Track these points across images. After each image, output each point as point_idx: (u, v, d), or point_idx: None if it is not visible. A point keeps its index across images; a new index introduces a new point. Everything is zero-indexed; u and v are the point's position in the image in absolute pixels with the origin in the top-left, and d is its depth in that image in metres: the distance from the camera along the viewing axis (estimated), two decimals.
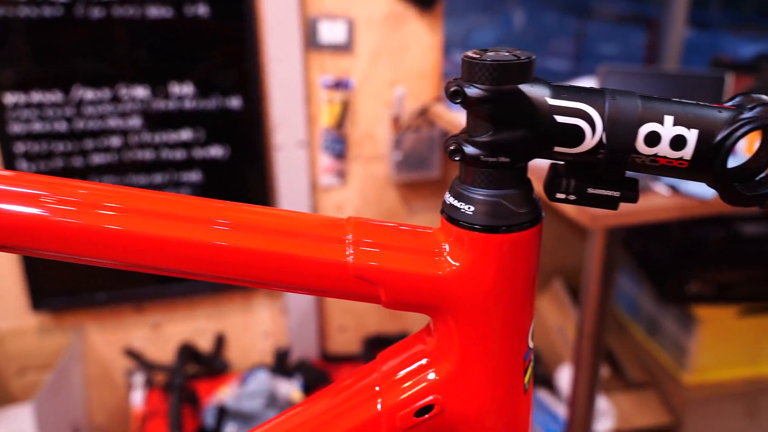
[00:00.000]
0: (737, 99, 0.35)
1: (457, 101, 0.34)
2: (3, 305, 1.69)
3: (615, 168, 0.35)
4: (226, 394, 1.68)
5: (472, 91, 0.34)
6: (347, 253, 0.37)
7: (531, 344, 0.40)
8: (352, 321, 1.98)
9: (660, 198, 1.15)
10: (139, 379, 1.76)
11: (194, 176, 1.70)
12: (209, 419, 1.58)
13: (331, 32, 1.66)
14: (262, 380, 1.67)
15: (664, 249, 1.72)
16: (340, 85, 1.71)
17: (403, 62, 1.74)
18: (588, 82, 1.59)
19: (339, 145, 1.77)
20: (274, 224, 0.37)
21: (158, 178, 1.68)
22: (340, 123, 1.75)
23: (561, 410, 1.69)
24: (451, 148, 0.36)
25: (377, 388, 0.41)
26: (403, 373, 0.41)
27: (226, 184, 1.73)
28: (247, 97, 1.65)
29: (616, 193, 0.37)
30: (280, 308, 1.90)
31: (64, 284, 1.71)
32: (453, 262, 0.37)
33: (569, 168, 0.37)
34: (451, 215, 0.37)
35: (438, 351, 0.40)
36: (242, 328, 1.90)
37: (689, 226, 1.69)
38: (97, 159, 1.62)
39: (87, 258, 0.37)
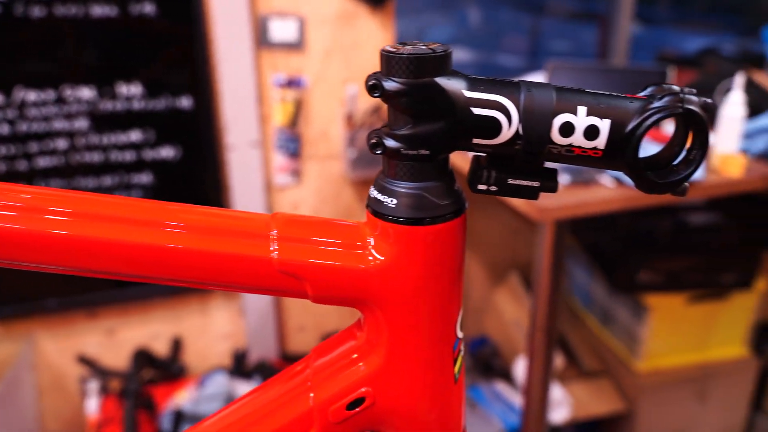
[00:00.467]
0: (649, 89, 0.37)
1: (376, 95, 0.35)
2: None
3: (532, 158, 0.36)
4: (183, 398, 1.66)
5: (389, 85, 0.34)
6: (272, 248, 0.37)
7: (460, 334, 0.41)
8: (311, 320, 1.98)
9: (605, 190, 1.18)
10: (93, 386, 1.72)
11: (145, 178, 1.67)
12: (166, 424, 1.56)
13: (282, 30, 1.65)
14: (220, 383, 1.65)
15: (614, 240, 1.76)
16: (292, 83, 1.71)
17: (356, 60, 1.74)
18: (538, 78, 1.61)
19: (293, 144, 1.76)
20: (197, 222, 0.37)
21: (107, 180, 1.64)
22: (294, 122, 1.74)
23: (518, 401, 1.71)
24: (373, 141, 0.36)
25: (309, 384, 0.41)
26: (334, 367, 0.41)
27: (178, 186, 1.71)
28: (198, 96, 1.63)
29: (536, 183, 0.37)
30: (238, 309, 1.89)
31: (11, 292, 1.66)
32: (378, 256, 0.37)
33: (490, 160, 0.38)
34: (375, 209, 0.37)
35: (368, 344, 0.40)
36: (199, 331, 1.87)
37: (637, 217, 1.73)
38: (43, 162, 1.57)
39: (28, 264, 0.36)
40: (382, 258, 0.37)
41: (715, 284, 1.74)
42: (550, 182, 0.38)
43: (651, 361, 1.77)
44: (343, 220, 0.40)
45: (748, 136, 1.40)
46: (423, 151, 0.36)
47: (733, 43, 1.99)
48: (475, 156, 0.39)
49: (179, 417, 1.55)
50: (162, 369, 1.78)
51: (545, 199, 1.13)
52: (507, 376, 1.87)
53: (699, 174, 1.21)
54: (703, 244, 1.74)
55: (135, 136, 1.61)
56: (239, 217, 0.39)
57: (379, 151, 0.36)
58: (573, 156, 0.36)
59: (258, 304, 1.87)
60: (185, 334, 1.86)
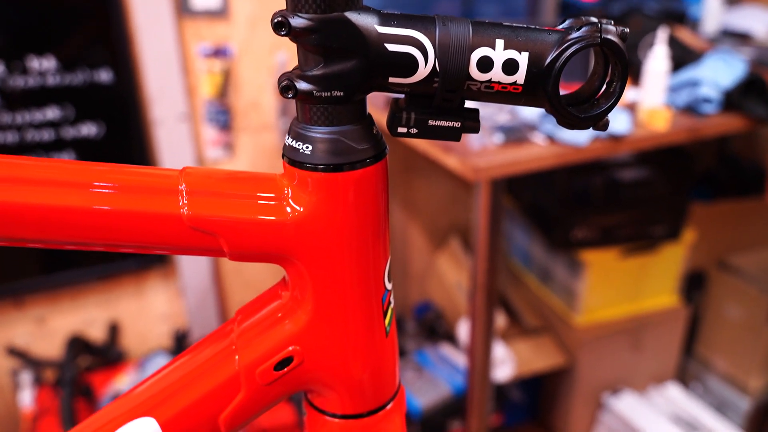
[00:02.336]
0: (567, 21, 0.36)
1: (283, 33, 0.32)
2: None
3: (451, 96, 0.35)
4: (123, 382, 1.61)
5: (297, 21, 0.32)
6: (181, 203, 0.34)
7: (389, 285, 0.40)
8: (253, 296, 1.94)
9: (537, 147, 1.19)
10: (26, 378, 1.65)
11: (66, 157, 1.58)
12: None
13: None
14: (161, 364, 1.60)
15: (551, 198, 1.80)
16: (219, 53, 1.64)
17: None
18: None
19: (224, 116, 1.71)
20: (103, 179, 0.34)
21: None
22: (223, 93, 1.68)
23: (462, 361, 1.74)
24: (283, 84, 0.34)
25: (234, 346, 0.39)
26: (259, 327, 0.39)
27: (98, 156, 1.63)
28: (118, 69, 1.55)
29: (457, 124, 0.36)
30: (176, 290, 1.83)
31: None
32: (296, 207, 0.35)
33: (409, 100, 0.36)
34: (290, 157, 0.35)
35: (293, 301, 0.39)
36: (137, 313, 1.81)
37: (572, 175, 1.77)
38: None
39: None
40: (301, 209, 0.35)
41: (647, 237, 1.80)
42: (471, 122, 0.36)
43: (588, 315, 1.82)
44: (258, 173, 0.38)
45: (673, 90, 1.43)
46: (337, 93, 0.34)
47: (657, 2, 2.04)
48: (393, 98, 0.37)
49: None
50: (99, 355, 1.71)
51: (479, 158, 1.13)
52: (452, 338, 1.89)
53: (626, 128, 1.24)
54: (634, 199, 1.79)
55: (52, 113, 1.53)
56: (146, 173, 0.36)
57: (290, 95, 0.34)
58: (493, 93, 0.35)
59: (197, 282, 1.82)
60: (122, 317, 1.80)
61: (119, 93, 1.57)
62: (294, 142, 0.35)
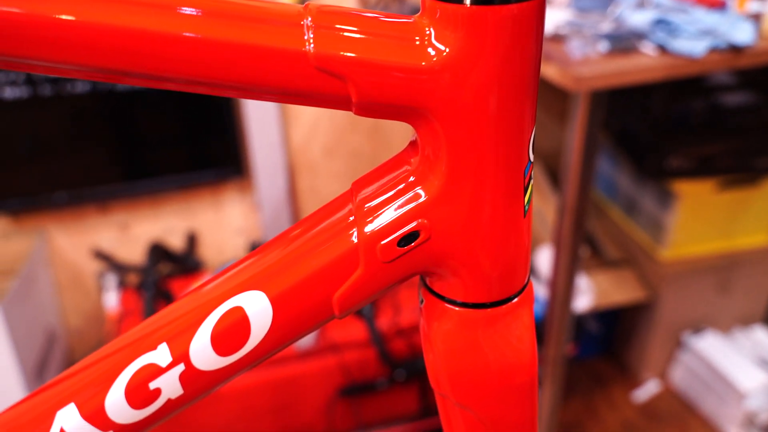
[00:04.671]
0: None
1: None
2: None
3: None
4: None
5: None
6: (306, 38, 0.29)
7: (532, 157, 0.34)
8: None
9: (646, 58, 1.08)
10: (111, 280, 1.71)
11: None
12: None
13: None
14: None
15: (645, 123, 1.67)
16: None
17: None
18: None
19: None
20: (212, 4, 0.29)
21: None
22: None
23: (541, 291, 1.69)
24: None
25: (352, 218, 0.35)
26: (382, 198, 0.35)
27: None
28: None
29: None
30: (252, 203, 1.84)
31: (20, 185, 1.61)
32: (440, 47, 0.30)
33: None
34: None
35: (423, 168, 0.34)
36: (213, 225, 1.84)
37: (670, 100, 1.63)
38: None
39: (15, 59, 0.29)
40: (445, 51, 0.30)
41: (748, 169, 1.67)
42: None
43: (675, 250, 1.72)
44: (393, 13, 0.32)
45: None
46: None
47: None
48: None
49: None
50: (178, 263, 1.76)
51: (582, 67, 1.04)
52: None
53: (749, 38, 1.11)
54: (738, 127, 1.65)
55: None
56: (264, 4, 0.31)
57: None
58: None
59: (272, 197, 1.82)
60: (199, 228, 1.83)
61: None
62: None
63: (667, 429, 1.75)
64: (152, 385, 0.37)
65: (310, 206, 1.91)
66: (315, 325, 0.37)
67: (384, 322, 1.60)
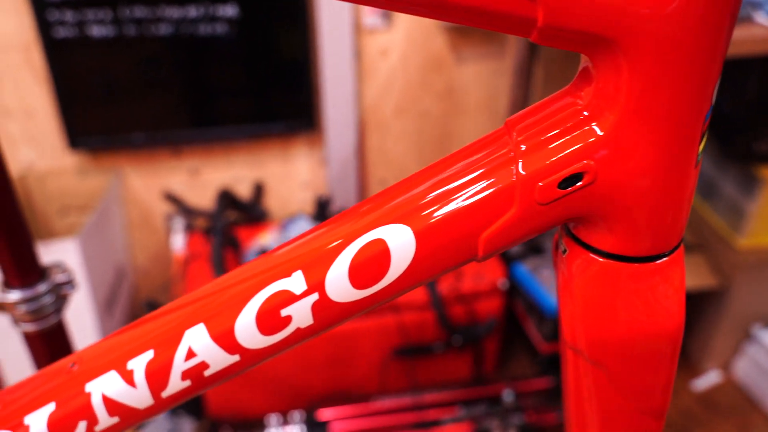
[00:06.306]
0: None
1: None
2: (39, 144, 1.65)
3: None
4: (266, 240, 1.66)
5: None
6: None
7: (714, 100, 0.31)
8: (393, 173, 1.92)
9: (760, 29, 1.01)
10: (179, 223, 1.75)
11: (230, 11, 1.57)
12: None
13: None
14: (303, 226, 1.64)
15: (738, 105, 1.59)
16: None
17: None
18: None
19: None
20: None
21: (192, 11, 1.56)
22: None
23: None
24: None
25: (512, 154, 0.33)
26: (546, 134, 0.33)
27: (264, 20, 1.61)
28: None
29: None
30: (320, 159, 1.84)
31: (100, 123, 1.65)
32: None
33: None
34: None
35: (596, 103, 0.31)
36: (281, 177, 1.85)
37: (766, 81, 1.54)
38: None
39: None
40: None
41: None
42: None
43: (754, 239, 1.65)
44: None
45: None
46: None
47: None
48: None
49: None
50: (245, 211, 1.78)
51: None
52: None
53: None
54: None
55: None
56: None
57: None
58: None
59: (341, 154, 1.81)
60: (267, 179, 1.84)
61: None
62: None
63: (726, 421, 1.70)
64: (284, 312, 0.37)
65: (378, 166, 1.90)
66: (454, 265, 0.36)
67: (444, 286, 1.59)
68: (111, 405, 0.40)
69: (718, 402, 1.75)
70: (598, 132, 0.31)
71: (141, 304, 1.86)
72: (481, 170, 0.34)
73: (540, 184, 0.32)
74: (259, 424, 1.53)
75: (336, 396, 1.63)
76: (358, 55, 1.71)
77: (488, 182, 0.33)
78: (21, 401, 0.43)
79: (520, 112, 0.35)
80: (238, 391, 1.57)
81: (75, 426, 0.41)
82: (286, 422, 1.51)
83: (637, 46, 0.28)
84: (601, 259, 0.35)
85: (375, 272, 0.35)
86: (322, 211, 1.73)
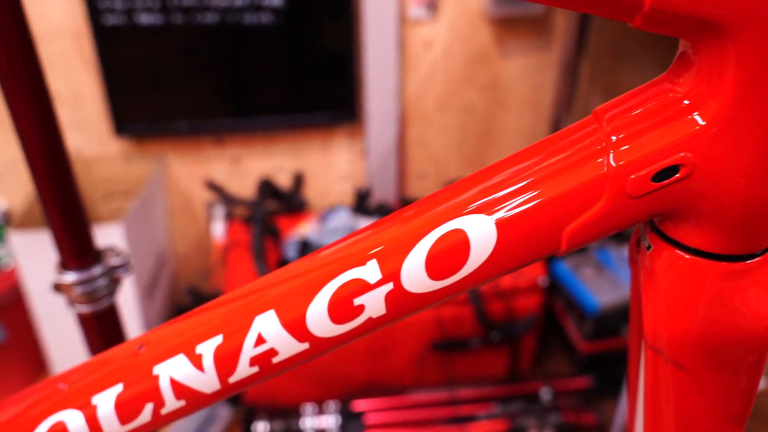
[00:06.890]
0: None
1: None
2: (87, 130, 1.68)
3: None
4: (306, 230, 1.67)
5: None
6: None
7: None
8: (433, 167, 1.91)
9: None
10: (219, 211, 1.76)
11: (276, 0, 1.57)
12: (291, 252, 1.58)
13: None
14: (343, 218, 1.64)
15: None
16: None
17: None
18: None
19: None
20: None
21: (238, 1, 1.56)
22: None
23: None
24: None
25: (603, 144, 0.32)
26: (641, 123, 0.31)
27: (309, 11, 1.61)
28: None
29: None
30: (360, 151, 1.84)
31: (146, 111, 1.67)
32: None
33: None
34: None
35: (696, 92, 0.30)
36: (321, 168, 1.85)
37: None
38: None
39: None
40: None
41: None
42: None
43: None
44: None
45: None
46: None
47: None
48: None
49: (305, 246, 1.56)
50: (284, 201, 1.78)
51: None
52: None
53: None
54: None
55: None
56: None
57: None
58: None
59: (381, 146, 1.81)
60: (307, 169, 1.85)
61: None
62: None
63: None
64: (357, 301, 0.36)
65: (417, 159, 1.89)
66: (535, 259, 0.35)
67: None
68: (178, 388, 0.40)
69: (763, 410, 1.70)
70: (700, 122, 0.30)
71: (181, 290, 1.88)
72: (568, 161, 0.33)
73: (632, 176, 0.31)
74: (295, 412, 1.54)
75: (372, 387, 1.63)
76: (402, 46, 1.70)
77: (576, 174, 0.32)
78: (88, 380, 0.43)
79: (610, 102, 0.34)
80: (276, 379, 1.58)
81: (142, 408, 0.41)
82: (321, 411, 1.52)
83: (748, 31, 0.27)
84: (687, 256, 0.34)
85: (452, 263, 0.34)
86: (361, 202, 1.73)
